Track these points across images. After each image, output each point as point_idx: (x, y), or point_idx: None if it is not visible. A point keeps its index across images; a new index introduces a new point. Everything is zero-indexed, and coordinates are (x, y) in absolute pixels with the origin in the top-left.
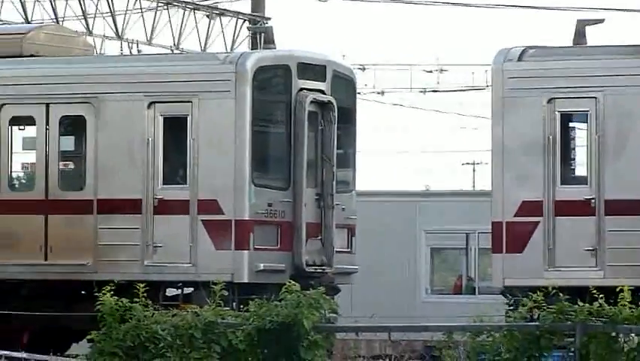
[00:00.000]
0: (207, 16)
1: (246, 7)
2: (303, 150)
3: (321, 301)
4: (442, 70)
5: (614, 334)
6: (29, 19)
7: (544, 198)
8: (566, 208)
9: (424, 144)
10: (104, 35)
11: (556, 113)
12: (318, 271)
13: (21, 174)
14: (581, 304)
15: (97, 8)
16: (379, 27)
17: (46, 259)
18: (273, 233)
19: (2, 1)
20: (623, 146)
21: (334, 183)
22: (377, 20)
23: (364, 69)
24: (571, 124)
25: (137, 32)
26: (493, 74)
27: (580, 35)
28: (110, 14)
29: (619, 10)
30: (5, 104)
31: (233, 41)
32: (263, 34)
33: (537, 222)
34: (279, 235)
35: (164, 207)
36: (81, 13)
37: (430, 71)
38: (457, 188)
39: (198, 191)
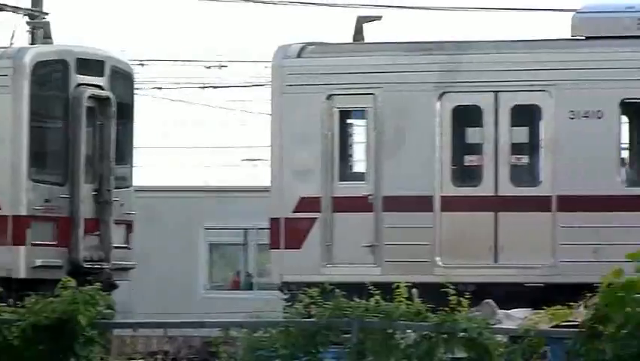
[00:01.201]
0: None
1: (25, 2)
2: (80, 146)
3: (97, 297)
4: (221, 66)
5: (390, 330)
6: None
7: (322, 194)
8: (344, 204)
9: (204, 140)
10: None
11: (335, 109)
12: (96, 267)
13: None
14: (358, 300)
15: None
16: (159, 22)
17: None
18: (50, 229)
19: None
20: (401, 143)
21: (112, 178)
22: (157, 15)
23: (143, 65)
24: (349, 120)
25: None
26: (272, 71)
27: (358, 32)
28: None
29: (396, 7)
30: None
31: (12, 35)
32: (42, 30)
33: (315, 219)
34: (57, 230)
35: None
36: None
37: (209, 67)
38: (237, 184)
39: None
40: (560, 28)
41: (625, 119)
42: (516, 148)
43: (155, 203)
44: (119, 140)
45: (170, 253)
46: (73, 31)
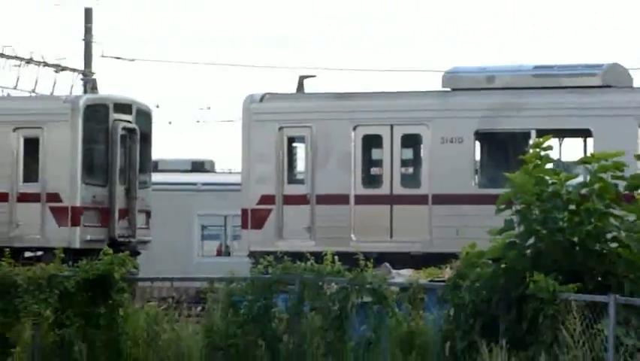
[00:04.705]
0: (55, 71)
1: (79, 64)
2: (116, 160)
3: (126, 261)
4: (208, 107)
5: (320, 283)
6: None
7: (276, 193)
8: (290, 200)
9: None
10: None
11: (285, 137)
12: (126, 241)
13: None
14: (299, 263)
15: None
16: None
17: None
18: (96, 215)
19: None
20: (328, 159)
21: (137, 182)
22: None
23: (158, 107)
24: (294, 144)
25: (6, 80)
26: (243, 111)
27: (300, 85)
28: None
29: (325, 69)
30: None
31: (71, 86)
32: (91, 83)
33: (271, 209)
34: (100, 216)
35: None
36: None
37: (202, 109)
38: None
39: (46, 185)
40: (436, 82)
41: (477, 143)
42: (404, 163)
43: (164, 197)
44: (141, 157)
45: (174, 232)
46: (115, 82)
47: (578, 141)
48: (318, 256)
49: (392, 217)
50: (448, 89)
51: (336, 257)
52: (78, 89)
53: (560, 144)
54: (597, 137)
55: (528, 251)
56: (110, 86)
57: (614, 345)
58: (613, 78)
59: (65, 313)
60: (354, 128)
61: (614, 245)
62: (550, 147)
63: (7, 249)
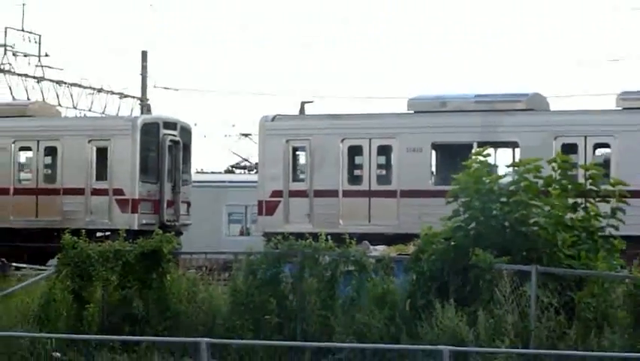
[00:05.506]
0: (119, 97)
1: (138, 93)
2: (164, 164)
3: (172, 239)
4: (233, 125)
5: (317, 256)
6: None
7: (284, 188)
8: (294, 194)
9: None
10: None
11: (290, 147)
12: (172, 224)
13: None
14: (301, 241)
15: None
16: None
17: None
18: (150, 205)
19: None
20: (322, 163)
21: (180, 180)
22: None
23: (196, 124)
24: (297, 152)
25: (82, 104)
26: (259, 127)
27: (302, 108)
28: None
29: (323, 96)
30: None
31: (132, 109)
32: (146, 106)
33: (280, 201)
34: (153, 206)
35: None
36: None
37: (234, 125)
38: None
39: (113, 183)
40: (402, 106)
41: (433, 152)
42: (379, 166)
43: (202, 192)
44: (183, 161)
45: (208, 217)
46: (164, 106)
47: (508, 151)
48: (315, 236)
49: (370, 207)
50: (412, 112)
51: (328, 237)
52: (136, 111)
53: (495, 153)
54: (522, 147)
55: (471, 233)
56: (160, 109)
57: (535, 302)
58: (534, 104)
59: (127, 278)
60: (342, 141)
61: (535, 228)
62: (487, 155)
63: (84, 230)
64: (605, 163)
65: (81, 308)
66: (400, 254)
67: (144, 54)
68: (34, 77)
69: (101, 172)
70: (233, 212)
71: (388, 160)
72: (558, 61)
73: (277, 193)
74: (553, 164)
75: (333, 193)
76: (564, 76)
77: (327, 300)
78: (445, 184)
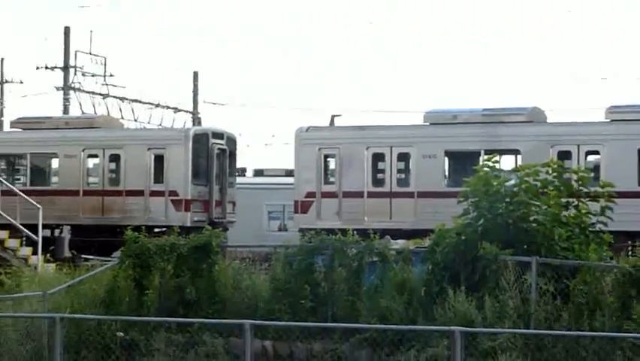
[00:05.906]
0: (174, 112)
1: (190, 107)
2: (213, 169)
3: (220, 234)
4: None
5: (345, 248)
6: None
7: (316, 190)
8: (326, 195)
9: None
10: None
11: (322, 154)
12: (220, 221)
13: None
14: (331, 236)
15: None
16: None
17: None
18: (200, 204)
19: None
20: (349, 168)
21: (227, 182)
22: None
23: (240, 135)
24: (328, 159)
25: (142, 117)
26: (295, 137)
27: (332, 121)
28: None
29: (350, 110)
30: None
31: (185, 122)
32: (198, 119)
33: (313, 200)
34: (203, 205)
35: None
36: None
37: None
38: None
39: (168, 185)
40: (419, 118)
41: (446, 159)
42: (399, 171)
43: (246, 193)
44: (229, 167)
45: (251, 215)
46: (213, 118)
47: (512, 158)
48: (344, 231)
49: (391, 206)
50: (427, 123)
51: (355, 232)
52: (189, 124)
53: (500, 159)
54: (523, 154)
55: (479, 228)
56: (209, 121)
57: (535, 288)
58: (534, 116)
59: (181, 268)
60: (367, 149)
61: (534, 225)
62: (495, 162)
63: (143, 227)
64: (596, 168)
65: (141, 294)
66: (417, 247)
67: (195, 74)
68: (100, 94)
69: (158, 176)
70: (273, 210)
71: (407, 165)
72: (555, 77)
73: (311, 194)
74: (547, 168)
75: (359, 194)
76: (560, 91)
77: (354, 287)
78: (457, 186)
